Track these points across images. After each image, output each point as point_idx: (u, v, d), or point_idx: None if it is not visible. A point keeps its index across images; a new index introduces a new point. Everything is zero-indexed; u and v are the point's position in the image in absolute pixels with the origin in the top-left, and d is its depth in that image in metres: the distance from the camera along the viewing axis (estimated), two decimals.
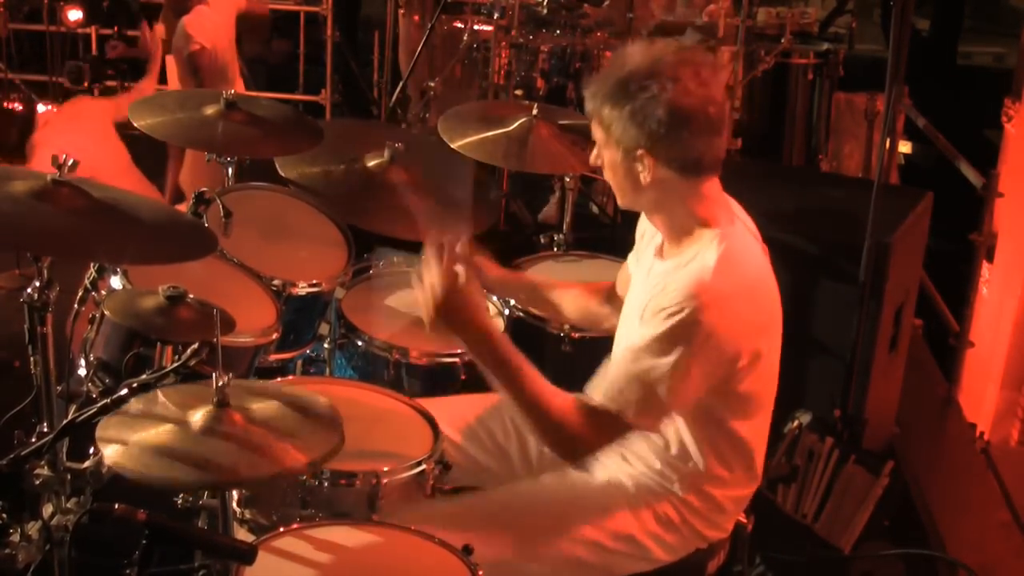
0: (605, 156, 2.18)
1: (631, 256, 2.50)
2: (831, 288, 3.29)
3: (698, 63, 2.09)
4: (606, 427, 2.11)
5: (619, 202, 2.25)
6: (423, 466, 2.32)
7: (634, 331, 2.22)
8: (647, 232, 2.40)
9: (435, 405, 2.55)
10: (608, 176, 2.21)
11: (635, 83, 2.06)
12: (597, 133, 2.17)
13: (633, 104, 2.06)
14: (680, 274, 2.11)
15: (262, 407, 2.06)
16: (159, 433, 1.95)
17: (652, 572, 2.29)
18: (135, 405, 2.03)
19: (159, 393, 2.07)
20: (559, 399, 2.13)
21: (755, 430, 2.28)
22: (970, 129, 6.34)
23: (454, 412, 2.57)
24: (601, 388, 2.11)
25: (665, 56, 2.08)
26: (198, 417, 1.98)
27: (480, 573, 2.03)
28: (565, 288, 2.67)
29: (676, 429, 2.24)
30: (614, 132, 2.12)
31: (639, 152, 2.10)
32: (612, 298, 2.58)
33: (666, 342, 2.04)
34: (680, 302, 2.03)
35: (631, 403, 2.08)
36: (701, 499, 2.28)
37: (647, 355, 2.06)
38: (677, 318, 2.03)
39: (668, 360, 2.04)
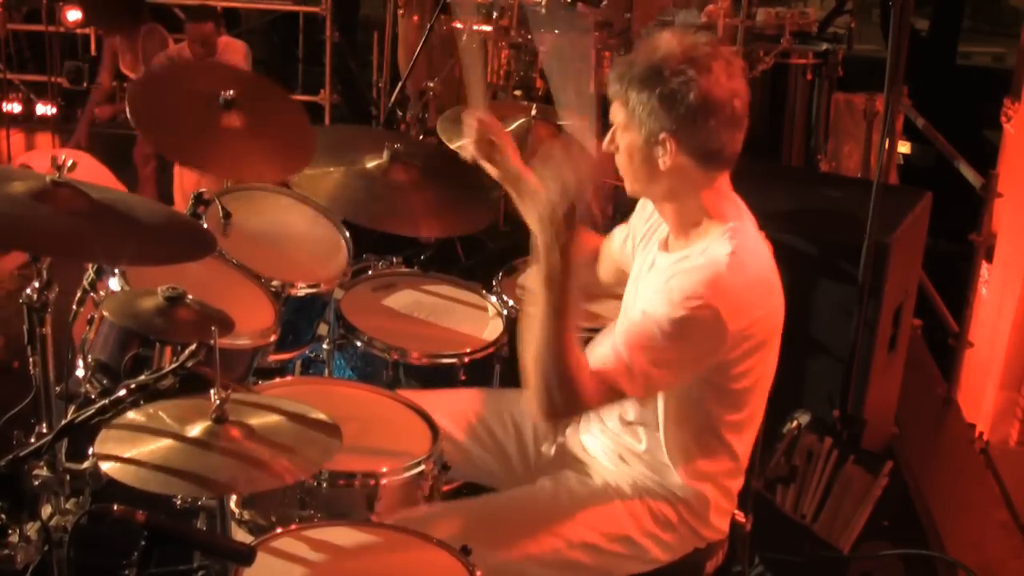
0: (623, 140, 2.19)
1: (619, 230, 2.50)
2: (830, 288, 3.28)
3: (728, 57, 2.13)
4: (604, 390, 2.09)
5: (628, 189, 2.25)
6: (422, 466, 2.32)
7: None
8: (653, 221, 2.39)
9: (434, 399, 2.55)
10: (622, 161, 2.21)
11: (669, 68, 2.08)
12: (618, 115, 2.18)
13: (664, 88, 2.08)
14: (695, 263, 2.12)
15: (261, 421, 2.06)
16: (157, 448, 1.95)
17: (651, 573, 2.29)
18: (133, 420, 2.02)
19: (158, 408, 2.06)
20: (582, 358, 2.10)
21: (748, 422, 2.28)
22: (969, 129, 6.34)
23: (453, 407, 2.57)
24: (604, 353, 2.10)
25: (699, 46, 2.11)
26: (196, 432, 1.98)
27: (478, 574, 2.03)
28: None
29: (672, 425, 2.24)
30: (639, 115, 2.12)
31: (662, 136, 2.11)
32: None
33: (677, 324, 2.05)
34: (696, 291, 2.05)
35: (632, 372, 2.07)
36: (697, 496, 2.28)
37: (658, 332, 2.05)
38: (692, 305, 2.04)
39: (675, 342, 2.05)
